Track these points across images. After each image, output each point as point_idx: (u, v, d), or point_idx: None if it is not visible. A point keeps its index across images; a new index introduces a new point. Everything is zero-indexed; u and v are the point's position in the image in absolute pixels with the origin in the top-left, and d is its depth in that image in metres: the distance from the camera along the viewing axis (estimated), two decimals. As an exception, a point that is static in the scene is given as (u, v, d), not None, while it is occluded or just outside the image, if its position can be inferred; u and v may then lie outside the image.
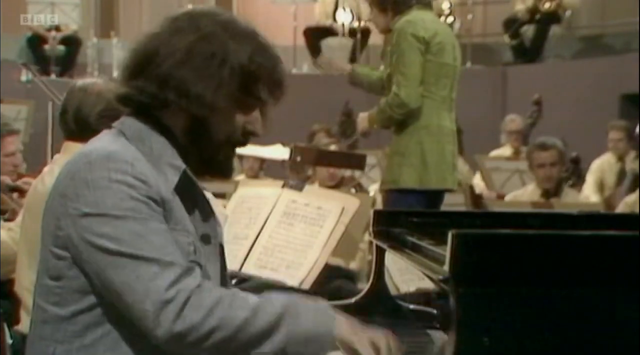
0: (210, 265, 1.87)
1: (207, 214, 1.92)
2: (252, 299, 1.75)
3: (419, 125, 4.25)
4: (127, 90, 1.86)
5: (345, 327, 1.77)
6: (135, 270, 1.69)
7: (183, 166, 1.85)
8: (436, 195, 4.35)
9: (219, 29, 1.84)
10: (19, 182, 4.02)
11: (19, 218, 3.51)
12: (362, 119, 4.53)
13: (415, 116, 4.25)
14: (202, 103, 1.81)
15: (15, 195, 3.97)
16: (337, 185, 5.50)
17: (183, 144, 1.87)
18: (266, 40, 1.89)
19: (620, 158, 7.47)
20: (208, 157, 1.89)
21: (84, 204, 1.73)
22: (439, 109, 4.29)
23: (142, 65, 1.84)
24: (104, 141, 1.85)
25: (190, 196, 1.87)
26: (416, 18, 4.26)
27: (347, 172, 6.13)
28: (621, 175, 7.22)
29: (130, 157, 1.78)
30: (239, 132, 1.89)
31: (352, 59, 11.76)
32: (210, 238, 1.90)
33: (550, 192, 5.67)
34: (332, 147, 6.05)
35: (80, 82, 3.16)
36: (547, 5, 10.41)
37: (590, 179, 7.54)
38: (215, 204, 3.20)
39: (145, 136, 1.84)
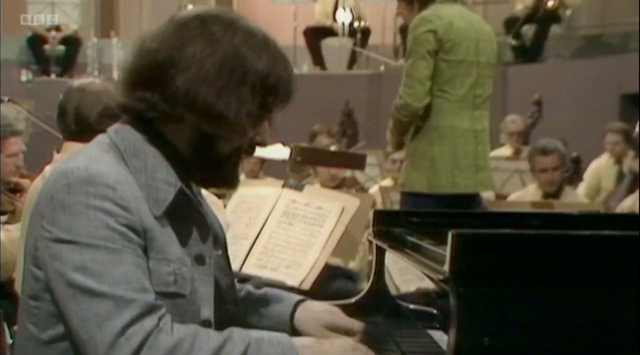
0: (202, 287, 1.80)
1: (204, 231, 1.84)
2: (215, 339, 1.68)
3: (429, 127, 4.14)
4: (132, 101, 1.76)
5: None
6: (93, 306, 1.62)
7: (179, 184, 1.77)
8: (453, 201, 4.14)
9: (235, 40, 1.74)
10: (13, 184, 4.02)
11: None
12: (388, 136, 4.40)
13: (426, 118, 4.13)
14: (225, 122, 1.74)
15: (17, 195, 3.96)
16: (339, 186, 5.50)
17: (186, 157, 1.79)
18: (278, 46, 1.81)
19: (618, 160, 7.46)
20: (214, 170, 1.83)
21: (58, 228, 1.66)
22: (454, 109, 4.15)
23: (150, 75, 1.74)
24: (89, 157, 1.73)
25: (186, 214, 1.79)
26: (431, 14, 4.13)
27: (348, 173, 6.14)
28: (619, 177, 7.22)
29: (113, 179, 1.68)
30: (247, 143, 1.83)
31: (352, 59, 11.78)
32: (205, 258, 1.81)
33: (552, 193, 5.68)
34: (332, 148, 6.05)
35: (77, 82, 3.12)
36: (549, 4, 10.40)
37: (584, 184, 7.54)
38: (220, 208, 3.21)
39: (141, 149, 1.75)
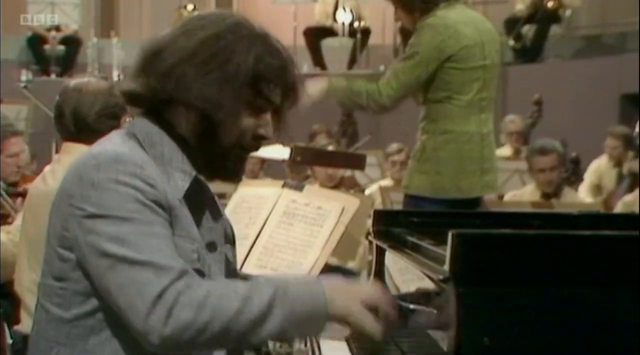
0: (214, 273, 1.87)
1: (217, 219, 1.92)
2: (242, 286, 1.75)
3: (436, 131, 4.07)
4: (132, 86, 1.86)
5: (338, 301, 1.78)
6: (131, 274, 1.69)
7: (194, 172, 1.86)
8: (457, 205, 4.08)
9: (227, 29, 1.84)
10: (22, 189, 4.02)
11: (17, 221, 3.50)
12: (322, 82, 4.17)
13: (434, 123, 4.07)
14: (206, 99, 1.81)
15: (18, 200, 3.97)
16: (337, 186, 5.51)
17: (193, 147, 1.87)
18: (278, 43, 1.89)
19: (617, 164, 7.47)
20: (218, 161, 1.89)
21: (90, 204, 1.73)
22: (462, 114, 4.09)
23: (147, 62, 1.85)
24: (113, 143, 1.84)
25: (200, 202, 1.88)
26: (438, 23, 4.00)
27: (347, 173, 6.14)
28: (619, 178, 7.23)
29: (140, 160, 1.78)
30: (249, 135, 1.88)
31: (352, 60, 11.78)
32: (217, 245, 1.90)
33: (550, 193, 5.68)
34: (330, 147, 6.05)
35: (73, 82, 3.10)
36: (549, 4, 10.40)
37: (586, 182, 7.55)
38: None
39: (157, 140, 1.85)
